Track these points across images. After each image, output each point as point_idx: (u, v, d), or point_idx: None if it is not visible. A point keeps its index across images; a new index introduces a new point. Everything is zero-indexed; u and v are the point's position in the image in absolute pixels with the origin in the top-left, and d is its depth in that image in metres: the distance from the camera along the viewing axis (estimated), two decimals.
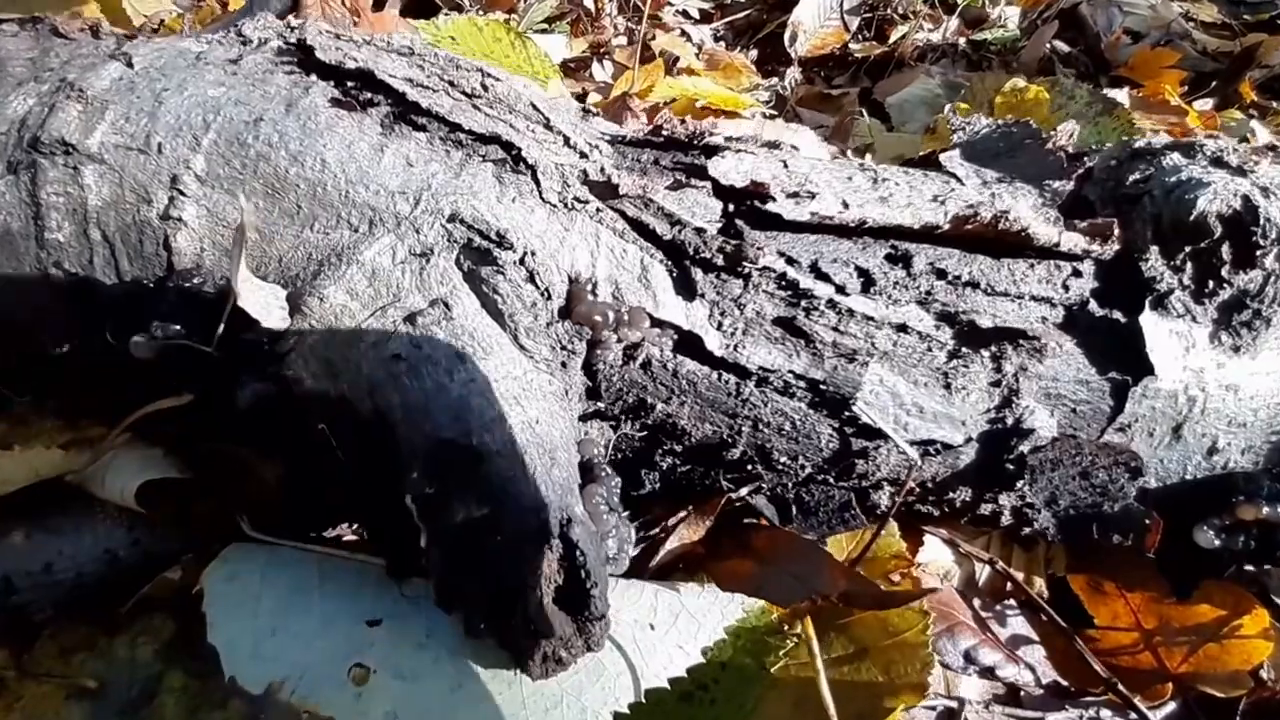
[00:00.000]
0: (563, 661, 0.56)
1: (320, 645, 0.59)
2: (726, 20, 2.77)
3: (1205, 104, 2.53)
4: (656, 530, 0.78)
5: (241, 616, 0.61)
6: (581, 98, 1.99)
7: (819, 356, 0.67)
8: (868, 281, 0.68)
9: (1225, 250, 0.67)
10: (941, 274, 0.69)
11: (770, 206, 0.66)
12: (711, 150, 0.70)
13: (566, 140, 0.67)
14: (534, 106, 0.69)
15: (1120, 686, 0.72)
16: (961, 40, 2.76)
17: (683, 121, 0.71)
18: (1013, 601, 0.83)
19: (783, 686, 0.68)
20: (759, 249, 0.64)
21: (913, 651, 0.68)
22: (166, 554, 0.75)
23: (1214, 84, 2.52)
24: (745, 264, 0.64)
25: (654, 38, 2.27)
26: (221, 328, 0.62)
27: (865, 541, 0.75)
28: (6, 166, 0.67)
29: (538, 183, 0.66)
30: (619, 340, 0.63)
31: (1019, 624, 0.82)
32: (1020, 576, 0.82)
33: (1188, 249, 0.68)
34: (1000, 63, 2.80)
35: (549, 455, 0.58)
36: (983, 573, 0.84)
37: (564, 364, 0.63)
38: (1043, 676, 0.78)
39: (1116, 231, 0.67)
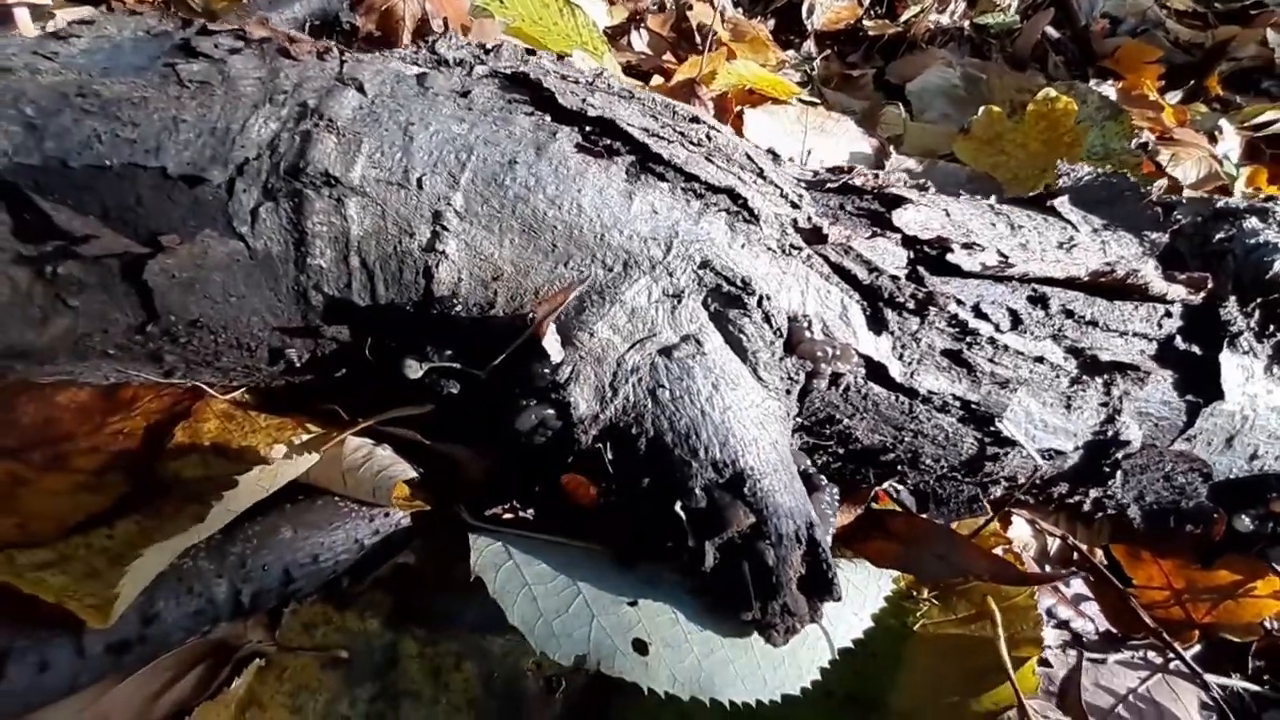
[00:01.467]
0: (795, 631, 0.71)
1: (601, 624, 0.71)
2: None
3: (1174, 97, 2.75)
4: None
5: (525, 602, 0.72)
6: (628, 69, 2.01)
7: (977, 382, 0.82)
8: (1015, 320, 0.82)
9: None
10: (1070, 314, 0.84)
11: (950, 257, 0.78)
12: (894, 200, 0.81)
13: (780, 190, 0.77)
14: (749, 157, 0.78)
15: (1163, 633, 0.93)
16: (965, 24, 2.87)
17: (866, 174, 0.81)
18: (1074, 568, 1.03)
19: (925, 641, 0.86)
20: (946, 296, 0.76)
21: (1024, 613, 0.86)
22: (400, 541, 0.85)
23: (1191, 82, 2.73)
24: (933, 308, 0.77)
25: (690, 8, 2.28)
26: (502, 357, 0.71)
27: (978, 525, 0.93)
28: (264, 192, 0.72)
29: (761, 230, 0.76)
30: (831, 371, 0.75)
31: (1078, 585, 1.03)
32: (1084, 548, 1.02)
33: (1259, 300, 0.85)
34: (999, 48, 2.93)
35: (789, 470, 0.71)
36: (1053, 545, 1.04)
37: (788, 391, 0.75)
38: (1099, 626, 0.99)
39: (1211, 285, 0.83)
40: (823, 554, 0.69)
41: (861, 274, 0.78)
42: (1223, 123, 2.38)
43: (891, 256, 0.79)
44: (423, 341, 0.74)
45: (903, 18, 2.77)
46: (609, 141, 0.75)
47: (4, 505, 0.73)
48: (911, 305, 0.77)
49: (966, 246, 0.79)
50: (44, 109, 0.70)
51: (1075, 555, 1.01)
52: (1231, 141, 2.29)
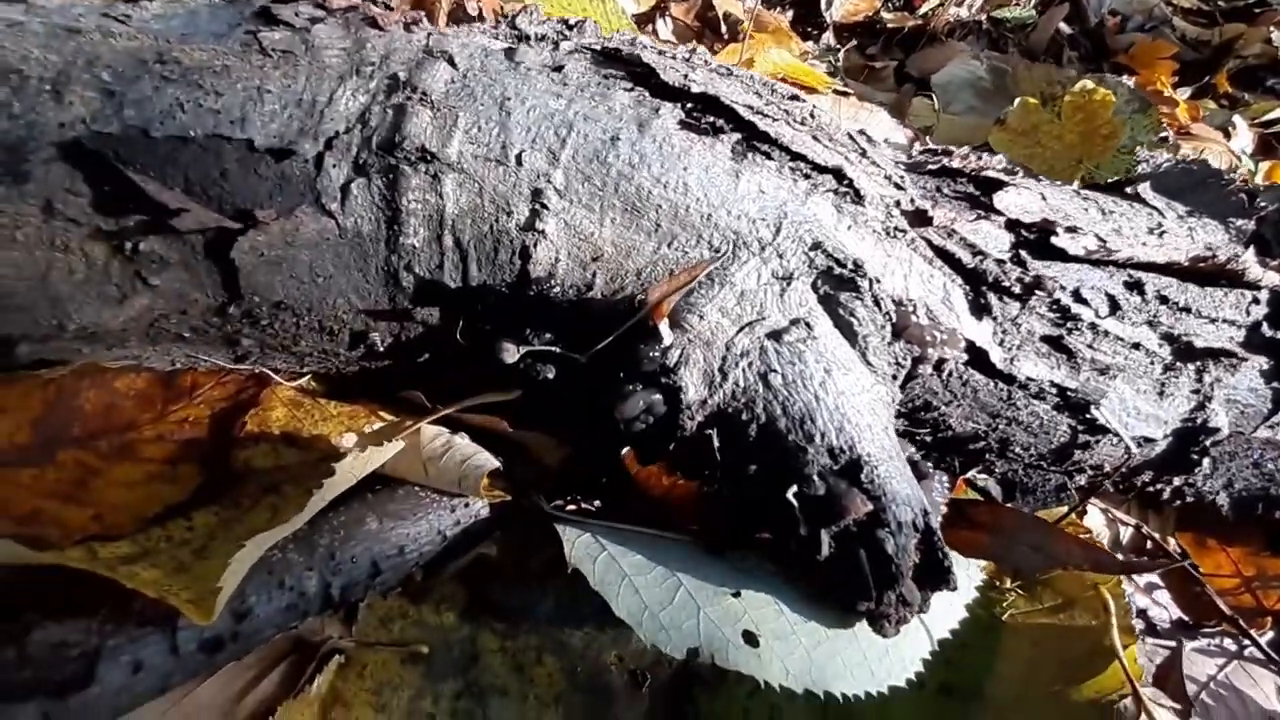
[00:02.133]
0: (906, 622, 0.70)
1: (708, 615, 0.69)
2: None
3: (1184, 93, 2.78)
4: None
5: (628, 593, 0.70)
6: None
7: (1076, 369, 0.80)
8: (1114, 306, 0.81)
9: None
10: (1164, 300, 0.83)
11: (1054, 240, 0.77)
12: (991, 183, 0.80)
13: (883, 172, 0.75)
14: (850, 137, 0.76)
15: (1239, 620, 0.93)
16: (983, 18, 2.87)
17: (965, 156, 0.79)
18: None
19: (1016, 631, 0.85)
20: (1054, 281, 0.75)
21: (1114, 602, 0.85)
22: (480, 532, 0.82)
23: (1206, 77, 2.75)
24: (1040, 293, 0.75)
25: None
26: (610, 339, 0.68)
27: (1060, 515, 0.92)
28: (354, 168, 0.68)
29: (867, 212, 0.74)
30: (937, 357, 0.74)
31: (1150, 574, 1.02)
32: (1159, 537, 1.01)
33: None
34: (1015, 42, 2.94)
35: (900, 457, 0.70)
36: (1124, 534, 1.03)
37: (894, 377, 0.73)
38: (1171, 615, 0.99)
39: None
40: (938, 542, 0.67)
41: (965, 257, 0.76)
42: (1236, 119, 2.40)
43: (995, 240, 0.77)
44: (518, 324, 0.71)
45: (920, 10, 2.76)
46: (713, 119, 0.72)
47: (79, 496, 0.69)
48: (1017, 289, 0.76)
49: (1070, 230, 0.77)
50: (122, 75, 0.66)
51: (1150, 544, 1.00)
52: (1245, 137, 2.32)
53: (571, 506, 0.96)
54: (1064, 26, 2.97)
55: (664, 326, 0.65)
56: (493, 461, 0.78)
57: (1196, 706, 0.87)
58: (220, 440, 0.80)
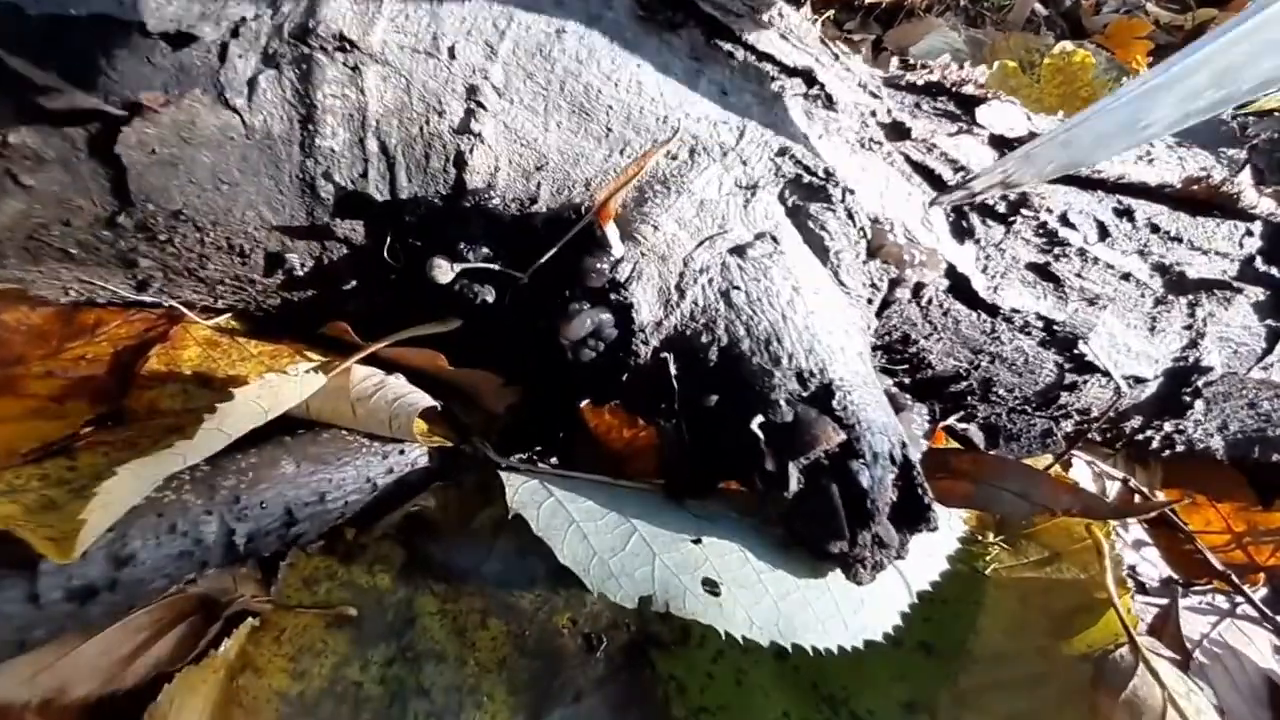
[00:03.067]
0: (883, 568, 0.63)
1: (664, 562, 0.62)
2: None
3: None
4: None
5: (574, 540, 0.63)
6: None
7: (1063, 299, 0.75)
8: (1103, 232, 0.75)
9: None
10: (1155, 228, 0.77)
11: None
12: (972, 100, 0.74)
13: (858, 79, 0.69)
14: (822, 41, 0.69)
15: (1232, 576, 0.88)
16: None
17: (946, 67, 0.73)
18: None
19: (1003, 586, 0.79)
20: (1041, 200, 0.69)
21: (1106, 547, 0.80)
22: (417, 482, 0.74)
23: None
24: (1026, 211, 0.69)
25: None
26: (553, 251, 0.60)
27: (1046, 464, 0.86)
28: (263, 58, 0.60)
29: (840, 120, 0.67)
30: (916, 280, 0.67)
31: (1137, 530, 0.97)
32: (1146, 491, 0.96)
33: None
34: (992, 21, 2.92)
35: (876, 385, 0.63)
36: (1111, 489, 0.98)
37: (869, 301, 0.67)
38: (1160, 572, 0.94)
39: None
40: (917, 477, 0.61)
41: (946, 174, 0.70)
42: None
43: (977, 156, 0.71)
44: (453, 241, 0.63)
45: None
46: (671, 12, 0.65)
47: None
48: (1001, 209, 0.70)
49: None
50: None
51: (1138, 499, 0.95)
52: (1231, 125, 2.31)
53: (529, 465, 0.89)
54: (1040, 8, 2.96)
55: (612, 233, 0.58)
56: (426, 400, 0.70)
57: (1192, 665, 0.82)
58: (120, 379, 0.71)
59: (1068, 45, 1.70)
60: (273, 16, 0.60)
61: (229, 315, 0.79)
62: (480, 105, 0.62)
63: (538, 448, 0.87)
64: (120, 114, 0.56)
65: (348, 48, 0.60)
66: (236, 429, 0.60)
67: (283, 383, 0.63)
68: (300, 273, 0.68)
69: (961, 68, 0.72)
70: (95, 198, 0.61)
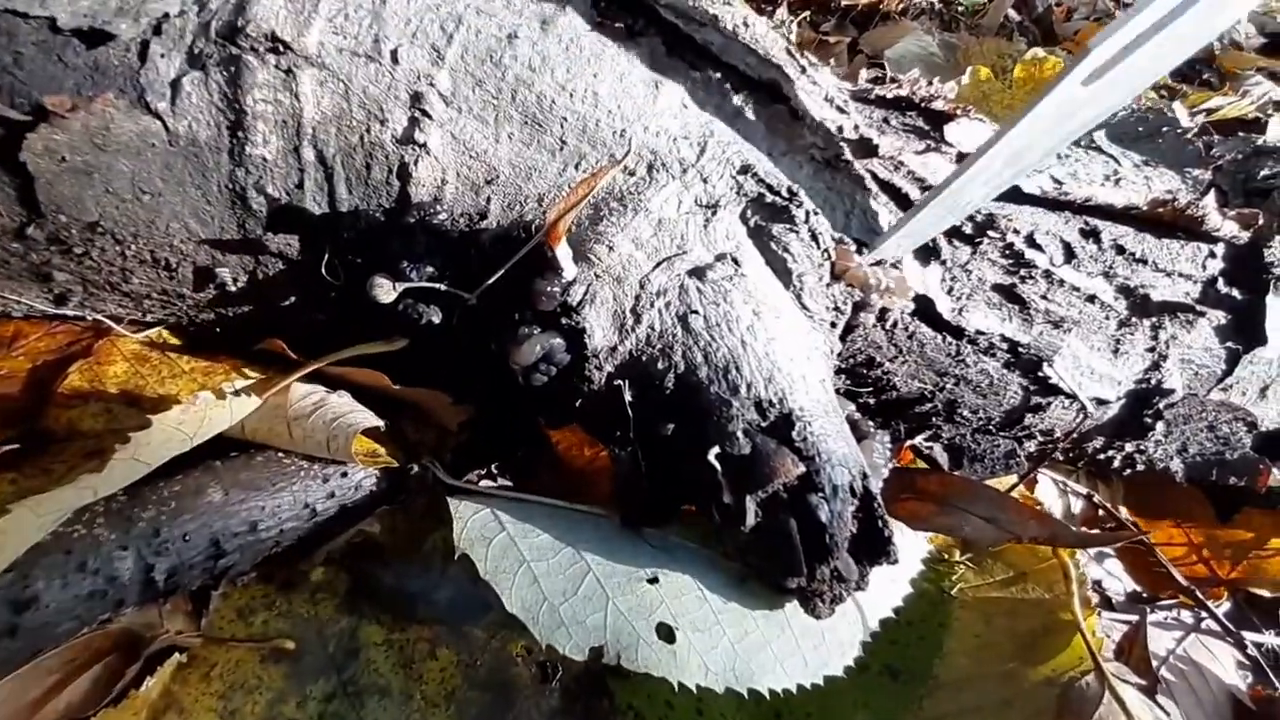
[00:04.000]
0: (842, 600, 0.61)
1: (618, 607, 0.59)
2: None
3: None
4: None
5: (524, 584, 0.59)
6: None
7: (1029, 321, 0.73)
8: (1069, 253, 0.74)
9: None
10: (1121, 250, 0.76)
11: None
12: (941, 116, 0.72)
13: (824, 93, 0.66)
14: (789, 53, 0.67)
15: (1196, 591, 0.89)
16: (937, 1, 2.86)
17: (915, 82, 0.71)
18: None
19: (968, 607, 0.78)
20: (1008, 221, 0.67)
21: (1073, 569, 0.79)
22: (361, 507, 0.70)
23: None
24: (993, 232, 0.68)
25: None
26: (501, 272, 0.57)
27: (1011, 484, 0.85)
28: (188, 58, 0.56)
29: (805, 137, 0.65)
30: (881, 304, 0.65)
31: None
32: (1111, 508, 0.96)
33: None
34: (966, 25, 2.94)
35: (838, 413, 0.61)
36: (1075, 505, 0.98)
37: (833, 324, 0.65)
38: (1126, 587, 0.94)
39: (1261, 220, 0.78)
40: (878, 510, 0.59)
41: (914, 193, 0.68)
42: (1176, 105, 2.42)
43: (945, 174, 0.69)
44: (396, 257, 0.59)
45: None
46: (630, 19, 0.62)
47: None
48: (968, 229, 0.68)
49: None
50: None
51: (1102, 514, 0.95)
52: (1186, 124, 2.34)
53: (487, 481, 0.85)
54: (1013, 13, 2.98)
55: (564, 254, 0.55)
56: (370, 419, 0.66)
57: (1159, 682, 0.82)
58: (37, 397, 0.66)
59: (1039, 52, 1.70)
60: (199, 13, 0.56)
61: (161, 329, 0.74)
62: (425, 114, 0.58)
63: (495, 466, 0.84)
64: (23, 119, 0.52)
65: (281, 49, 0.56)
66: (156, 458, 0.56)
67: (209, 406, 0.58)
68: (234, 288, 0.64)
69: (930, 83, 0.70)
70: (3, 207, 0.56)
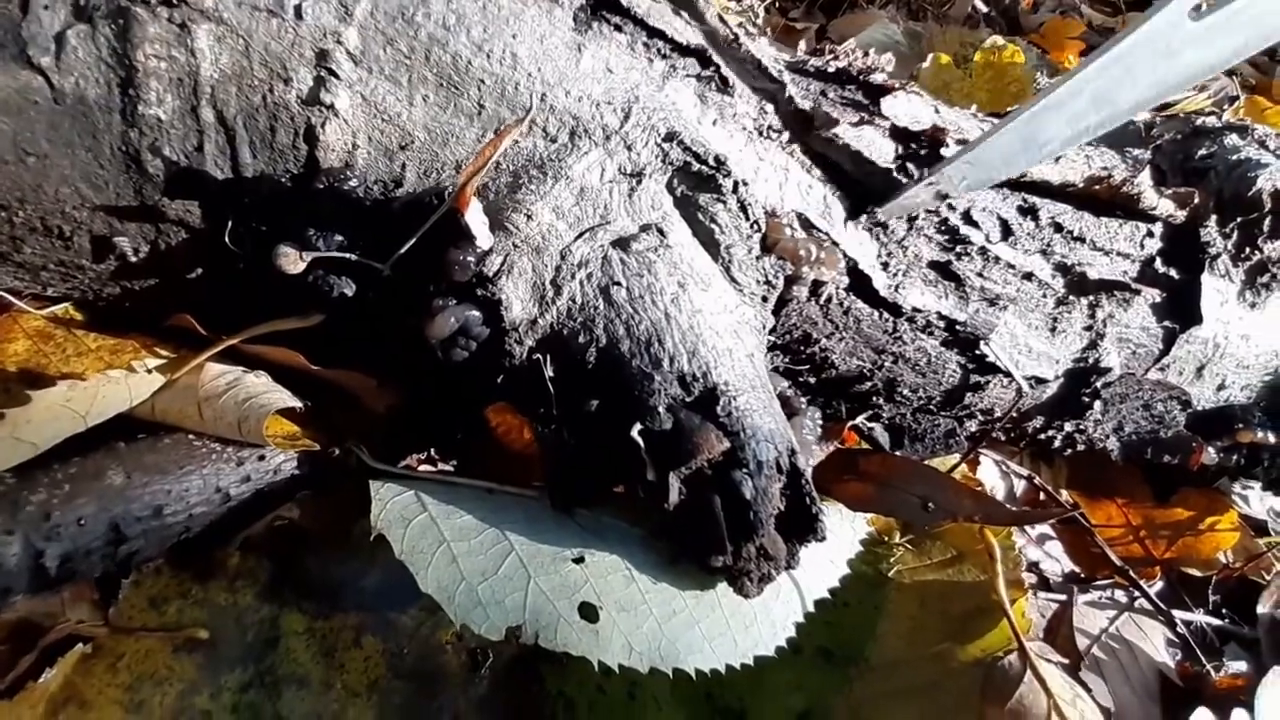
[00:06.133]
0: (770, 580, 0.60)
1: (539, 586, 0.58)
2: None
3: None
4: None
5: (442, 564, 0.57)
6: None
7: (965, 299, 0.73)
8: (1006, 230, 0.74)
9: (1267, 223, 0.80)
10: (1059, 227, 0.76)
11: (944, 152, 0.69)
12: (879, 89, 0.71)
13: (758, 63, 0.65)
14: (721, 19, 0.65)
15: (1130, 572, 0.90)
16: None
17: (852, 53, 0.70)
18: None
19: (904, 589, 0.78)
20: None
21: (1004, 554, 0.79)
22: (280, 492, 0.67)
23: None
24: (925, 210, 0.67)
25: None
26: (411, 243, 0.54)
27: (952, 464, 0.85)
28: (73, 10, 0.52)
29: (736, 106, 0.63)
30: (813, 278, 0.64)
31: (1043, 525, 0.98)
32: (1051, 489, 0.97)
33: (1239, 219, 0.80)
34: (933, 15, 2.95)
35: (766, 388, 0.60)
36: (1018, 487, 0.99)
37: (764, 299, 0.63)
38: (1064, 567, 0.95)
39: (1197, 200, 0.78)
40: (805, 487, 0.58)
41: (848, 166, 0.66)
42: None
43: (879, 149, 0.68)
44: (303, 225, 0.56)
45: None
46: None
47: None
48: None
49: (960, 142, 0.69)
50: None
51: (1043, 496, 0.96)
52: (1143, 116, 2.38)
53: (427, 466, 0.83)
54: (980, 4, 3.00)
55: (476, 221, 0.52)
56: (286, 399, 0.63)
57: (1087, 660, 0.83)
58: None
59: (999, 40, 1.71)
60: None
61: (68, 305, 0.70)
62: (333, 73, 0.55)
63: (431, 451, 0.81)
64: None
65: (174, 2, 0.52)
66: (43, 438, 0.52)
67: (104, 384, 0.55)
68: (135, 259, 0.60)
69: (866, 54, 0.69)
70: None
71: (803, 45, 2.26)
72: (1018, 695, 0.63)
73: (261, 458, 0.66)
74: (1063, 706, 0.63)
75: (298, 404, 0.64)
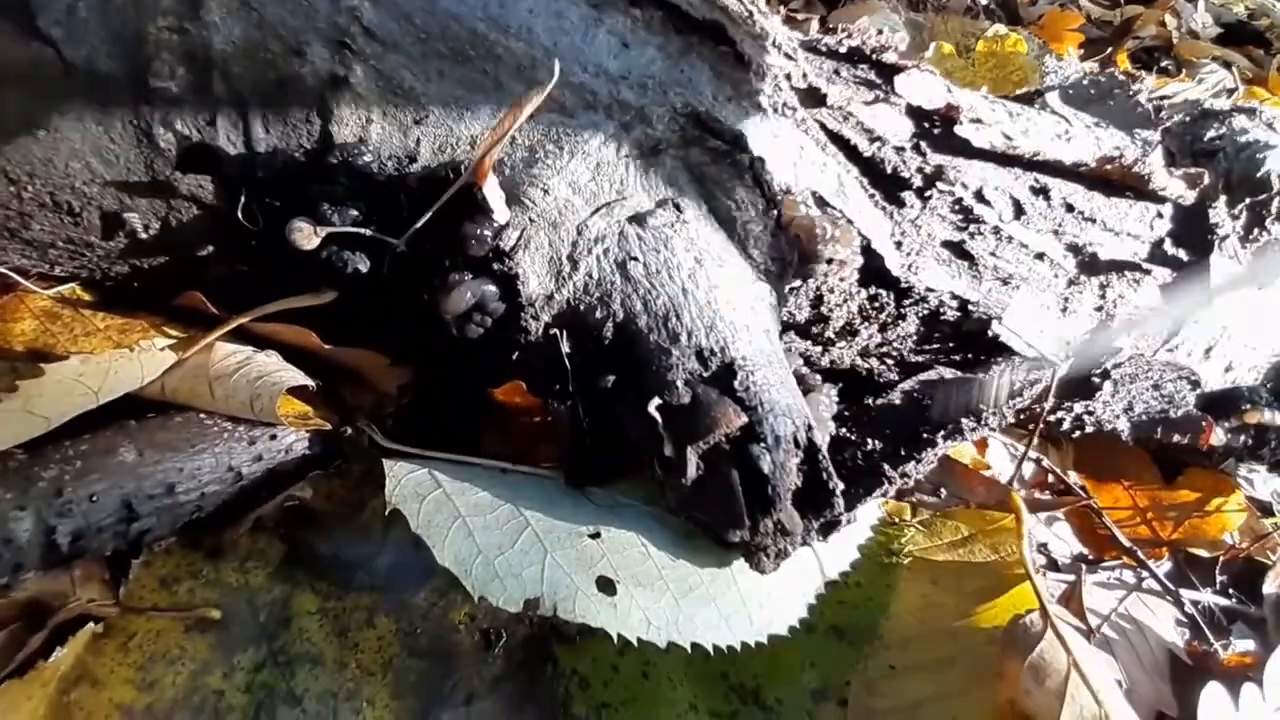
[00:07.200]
0: (787, 555, 0.60)
1: (556, 560, 0.57)
2: None
3: (1089, 66, 2.86)
4: None
5: (458, 538, 0.57)
6: None
7: (978, 279, 0.73)
8: (1019, 210, 0.74)
9: (1275, 204, 0.80)
10: (1070, 207, 0.76)
11: (958, 130, 0.68)
12: (891, 68, 0.70)
13: (773, 39, 0.64)
14: None
15: (1138, 552, 0.90)
16: None
17: (865, 32, 0.70)
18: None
19: (916, 568, 0.78)
20: (958, 171, 0.67)
21: (1013, 535, 0.80)
22: (291, 471, 0.67)
23: (1109, 50, 2.84)
24: (943, 185, 0.67)
25: None
26: (427, 216, 0.54)
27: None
28: None
29: (751, 82, 0.63)
30: (828, 255, 0.64)
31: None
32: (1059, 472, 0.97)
33: (1248, 200, 0.81)
34: (933, 6, 2.95)
35: (783, 363, 0.60)
36: (1028, 469, 0.99)
37: (779, 275, 0.63)
38: (1072, 549, 0.95)
39: (1206, 181, 0.78)
40: (822, 462, 0.58)
41: (862, 144, 0.66)
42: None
43: (894, 126, 0.68)
44: (317, 200, 0.56)
45: None
46: None
47: None
48: (918, 181, 0.67)
49: (974, 121, 0.69)
50: None
51: (1051, 479, 0.96)
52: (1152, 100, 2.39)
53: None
54: None
55: (493, 195, 0.52)
56: (298, 377, 0.63)
57: (1097, 638, 0.83)
58: None
59: (1001, 29, 1.71)
60: None
61: (75, 284, 0.69)
62: (347, 47, 0.55)
63: (443, 430, 0.81)
64: None
65: None
66: (55, 412, 0.52)
67: (116, 359, 0.55)
68: (145, 236, 0.60)
69: (880, 33, 0.69)
70: None
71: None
72: (1039, 650, 0.63)
73: (274, 436, 0.65)
74: (1081, 664, 0.63)
75: (309, 382, 0.64)
